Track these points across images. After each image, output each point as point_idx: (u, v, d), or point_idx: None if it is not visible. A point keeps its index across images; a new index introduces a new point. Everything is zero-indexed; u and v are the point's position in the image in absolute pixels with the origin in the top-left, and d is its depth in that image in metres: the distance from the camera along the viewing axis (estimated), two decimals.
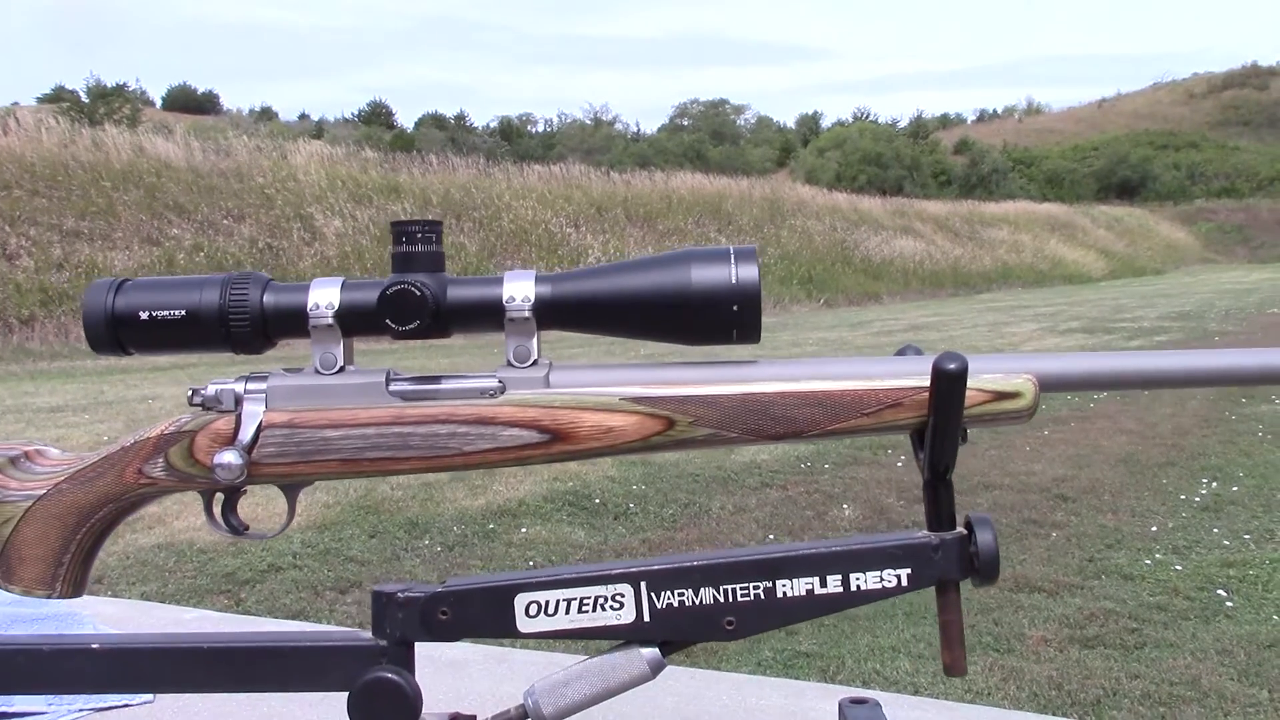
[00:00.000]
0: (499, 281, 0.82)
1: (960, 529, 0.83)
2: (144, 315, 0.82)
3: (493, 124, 66.23)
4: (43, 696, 1.16)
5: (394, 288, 0.81)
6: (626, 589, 0.80)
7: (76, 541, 0.84)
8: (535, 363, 0.83)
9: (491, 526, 5.08)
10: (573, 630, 0.80)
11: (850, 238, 26.67)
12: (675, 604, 0.80)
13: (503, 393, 0.83)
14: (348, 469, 0.82)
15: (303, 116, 69.40)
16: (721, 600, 0.80)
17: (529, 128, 68.60)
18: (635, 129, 71.65)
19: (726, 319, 0.80)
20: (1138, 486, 5.73)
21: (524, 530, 5.04)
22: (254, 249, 16.35)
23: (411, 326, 0.81)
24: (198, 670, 0.82)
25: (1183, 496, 5.51)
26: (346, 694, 0.79)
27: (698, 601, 0.80)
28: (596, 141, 57.31)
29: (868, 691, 1.02)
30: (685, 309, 0.80)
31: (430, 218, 0.84)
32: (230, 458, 0.80)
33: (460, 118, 63.98)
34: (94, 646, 0.82)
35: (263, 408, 0.82)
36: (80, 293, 13.93)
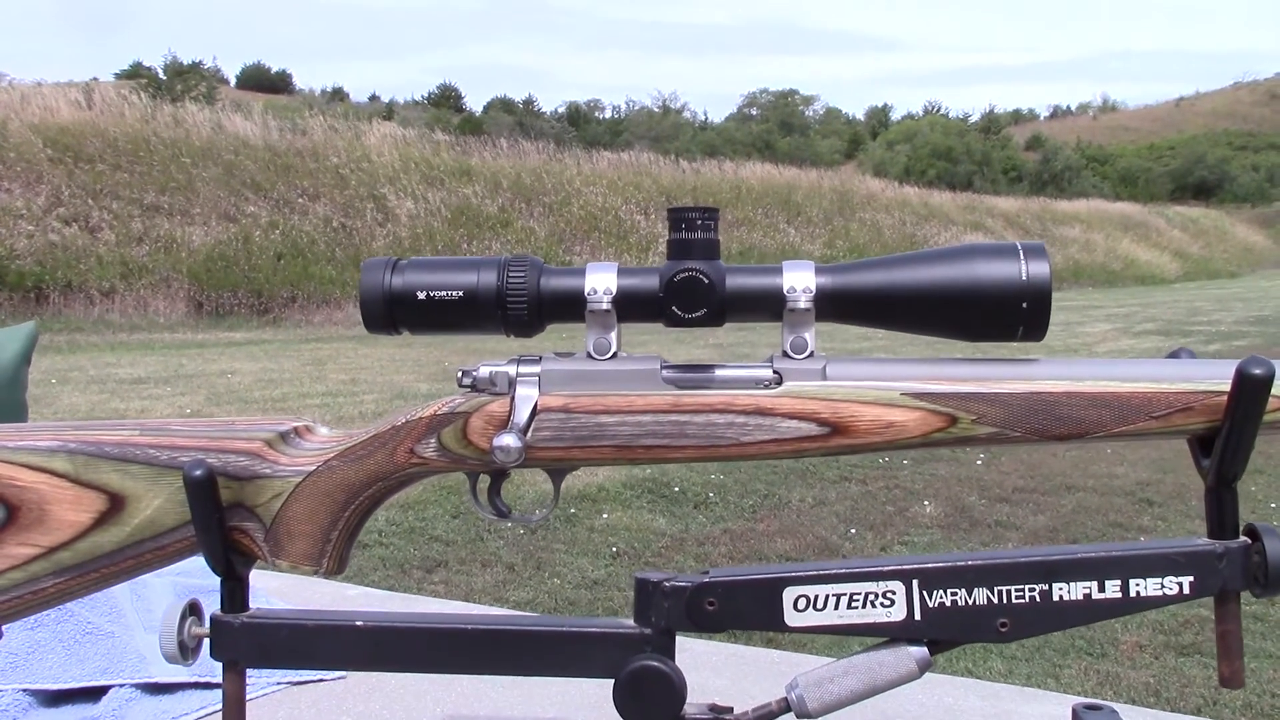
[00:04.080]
0: (778, 271, 0.81)
1: (1244, 538, 0.81)
2: (421, 295, 0.81)
3: (560, 109, 66.40)
4: None
5: (681, 274, 0.80)
6: (898, 586, 0.79)
7: (344, 519, 0.84)
8: (812, 354, 0.82)
9: (573, 511, 5.10)
10: (841, 626, 0.79)
11: (920, 232, 26.39)
12: (948, 603, 0.79)
13: (779, 384, 0.82)
14: (621, 455, 0.82)
15: (373, 98, 69.98)
16: (995, 601, 0.79)
17: (596, 113, 68.64)
18: (703, 117, 71.48)
19: (1015, 316, 0.79)
20: None
21: (605, 516, 5.06)
22: (328, 228, 16.52)
23: (697, 315, 0.80)
24: (462, 652, 0.82)
25: (1273, 505, 5.40)
26: (612, 681, 0.80)
27: (971, 602, 0.79)
28: (664, 129, 57.15)
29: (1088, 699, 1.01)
30: (974, 305, 0.79)
31: (707, 205, 0.83)
32: (510, 440, 0.80)
33: (529, 102, 64.12)
34: (358, 624, 0.83)
35: (536, 391, 0.82)
36: (159, 267, 14.19)
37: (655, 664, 0.79)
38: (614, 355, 0.83)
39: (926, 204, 29.61)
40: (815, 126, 67.15)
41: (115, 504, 0.83)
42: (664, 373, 0.83)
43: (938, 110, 70.11)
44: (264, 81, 65.91)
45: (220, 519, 0.82)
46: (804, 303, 0.80)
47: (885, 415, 0.80)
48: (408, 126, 23.29)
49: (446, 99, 64.26)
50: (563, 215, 19.63)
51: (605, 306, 0.81)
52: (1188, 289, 27.72)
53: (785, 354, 0.82)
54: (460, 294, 0.81)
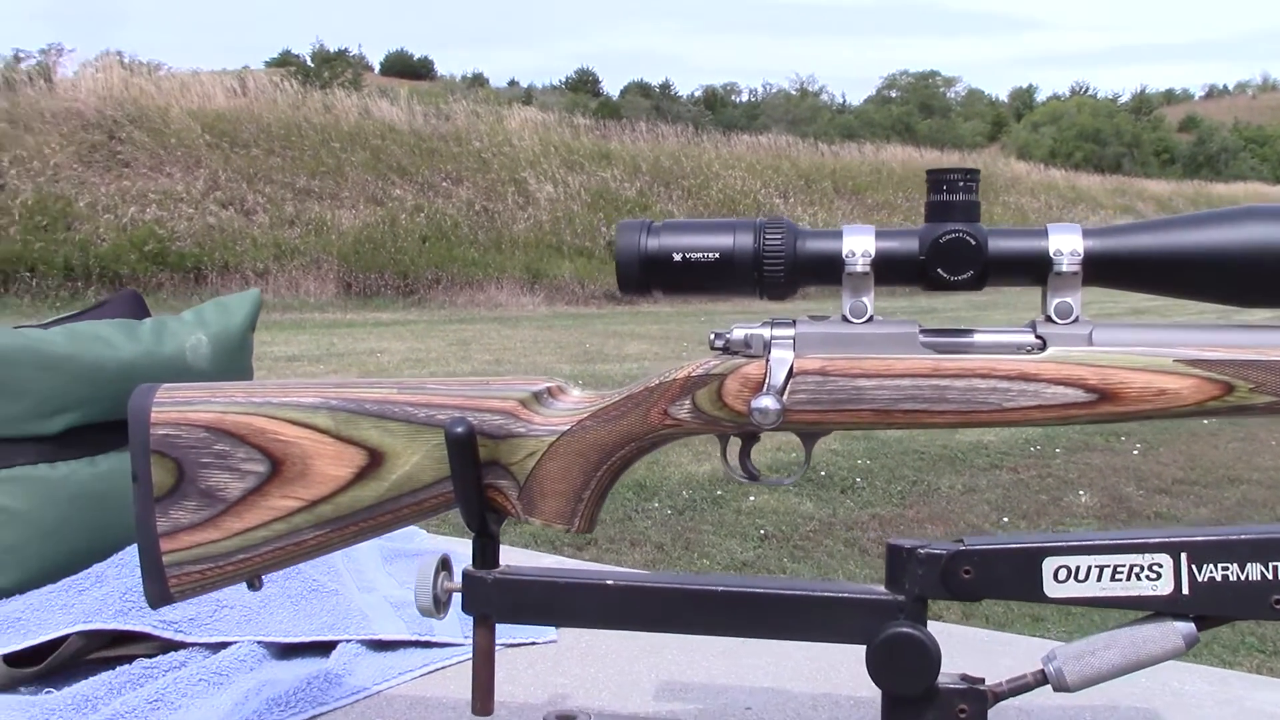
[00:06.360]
0: (1043, 233, 0.80)
1: None
2: (677, 257, 0.82)
3: (697, 93, 66.33)
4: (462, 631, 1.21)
5: (948, 236, 0.79)
6: (1165, 559, 0.78)
7: (597, 478, 0.85)
8: (1077, 320, 0.81)
9: (719, 493, 5.11)
10: (1102, 598, 0.78)
11: (1067, 216, 25.66)
12: (1218, 578, 0.77)
13: (1042, 349, 0.80)
14: (879, 419, 0.81)
15: (512, 83, 70.83)
16: (1270, 577, 0.77)
17: (733, 97, 68.37)
18: (841, 100, 70.61)
19: None
20: None
21: (752, 499, 5.05)
22: (470, 211, 16.81)
23: (962, 277, 0.79)
24: (713, 613, 0.83)
25: None
26: (865, 648, 0.79)
27: (1243, 577, 0.77)
28: (802, 112, 56.59)
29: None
30: (1252, 269, 0.77)
31: (968, 166, 0.82)
32: (769, 403, 0.80)
33: (665, 86, 64.19)
34: (609, 583, 0.84)
35: (792, 354, 0.82)
36: (310, 249, 14.63)
37: (911, 631, 0.79)
38: (870, 319, 0.82)
39: (1074, 187, 28.84)
40: (957, 108, 65.77)
41: (374, 459, 0.86)
42: (922, 337, 0.82)
43: (1085, 91, 68.01)
44: (407, 68, 67.23)
45: (478, 476, 0.84)
46: (1070, 266, 0.79)
47: (1157, 382, 0.79)
48: (546, 111, 23.52)
49: (583, 83, 64.76)
50: (701, 198, 19.62)
51: (863, 269, 0.81)
52: None
53: (1048, 319, 0.81)
54: (717, 256, 0.81)
